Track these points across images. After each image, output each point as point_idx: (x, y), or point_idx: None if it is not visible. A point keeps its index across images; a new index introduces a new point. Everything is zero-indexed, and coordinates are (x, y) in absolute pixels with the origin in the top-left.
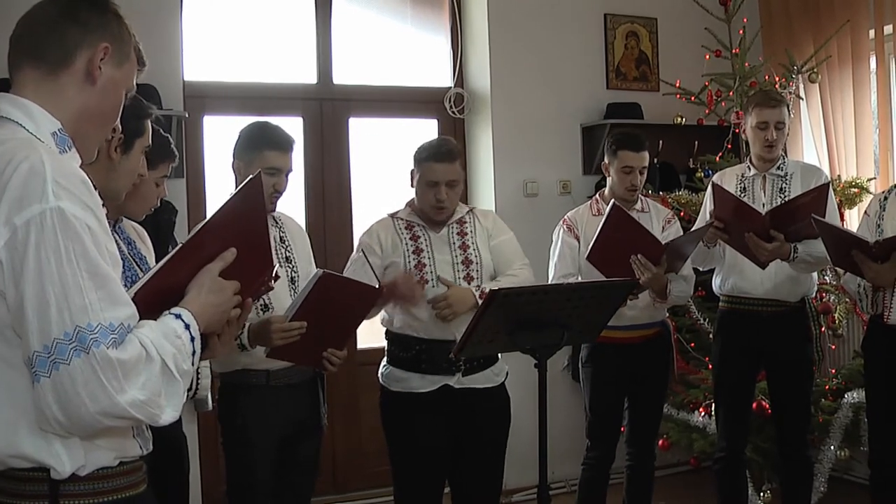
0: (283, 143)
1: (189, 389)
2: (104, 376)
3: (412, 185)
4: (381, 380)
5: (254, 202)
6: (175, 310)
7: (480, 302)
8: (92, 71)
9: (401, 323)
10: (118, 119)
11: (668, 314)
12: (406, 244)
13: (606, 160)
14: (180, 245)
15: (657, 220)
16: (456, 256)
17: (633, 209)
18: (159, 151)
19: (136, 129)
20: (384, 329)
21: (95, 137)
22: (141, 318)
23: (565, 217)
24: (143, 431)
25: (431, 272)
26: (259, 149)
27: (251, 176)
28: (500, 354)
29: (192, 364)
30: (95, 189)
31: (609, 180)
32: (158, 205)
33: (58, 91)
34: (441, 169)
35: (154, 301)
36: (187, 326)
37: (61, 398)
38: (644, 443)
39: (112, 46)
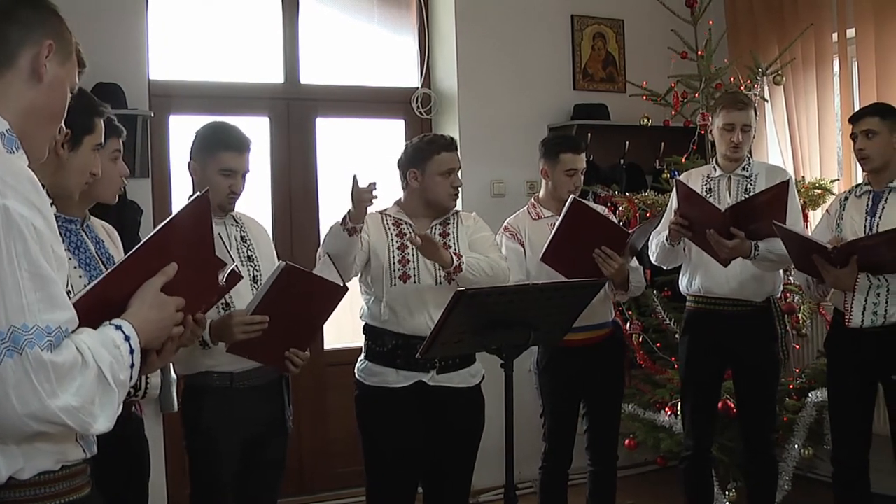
0: (239, 144)
1: (138, 390)
2: (36, 378)
3: (416, 183)
4: (356, 374)
5: (200, 220)
6: (115, 321)
7: (455, 262)
8: (38, 69)
9: (384, 316)
10: (65, 117)
11: (629, 311)
12: (392, 240)
13: (545, 164)
14: (123, 258)
15: None
16: None
17: None
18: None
19: (85, 126)
20: (362, 324)
21: (45, 135)
22: (81, 327)
23: (506, 224)
24: (87, 434)
25: (414, 269)
26: (214, 150)
27: (198, 193)
28: (476, 356)
29: (131, 377)
30: (45, 188)
31: (545, 184)
32: (125, 183)
33: (2, 91)
34: (453, 157)
35: (95, 311)
36: (127, 338)
37: None
38: (605, 446)
39: (55, 44)
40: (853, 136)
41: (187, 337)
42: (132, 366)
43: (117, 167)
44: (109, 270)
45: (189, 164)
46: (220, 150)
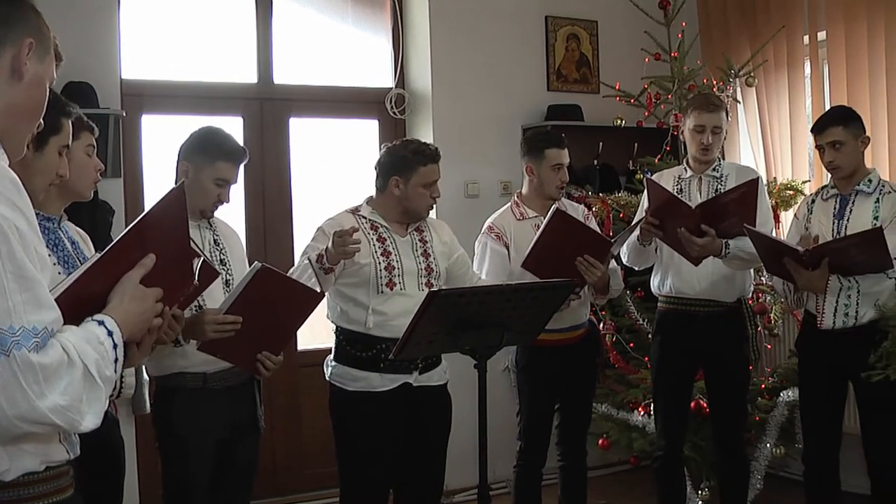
0: (237, 156)
1: (113, 389)
2: (24, 380)
3: (398, 191)
4: (332, 380)
5: (176, 212)
6: (98, 316)
7: None
8: (19, 67)
9: (370, 323)
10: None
11: (602, 311)
12: (374, 245)
13: (529, 162)
14: (102, 252)
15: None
16: (419, 262)
17: None
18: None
19: (52, 127)
20: (333, 327)
21: (24, 133)
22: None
23: (490, 224)
24: (71, 435)
25: (400, 276)
26: (213, 158)
27: (174, 186)
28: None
29: (115, 371)
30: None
31: (529, 182)
32: (100, 178)
33: None
34: (437, 169)
35: (76, 306)
36: (110, 333)
37: None
38: (576, 441)
39: (35, 41)
40: (819, 148)
41: (165, 331)
42: (116, 360)
43: (92, 161)
44: (89, 265)
45: (179, 163)
46: (219, 160)
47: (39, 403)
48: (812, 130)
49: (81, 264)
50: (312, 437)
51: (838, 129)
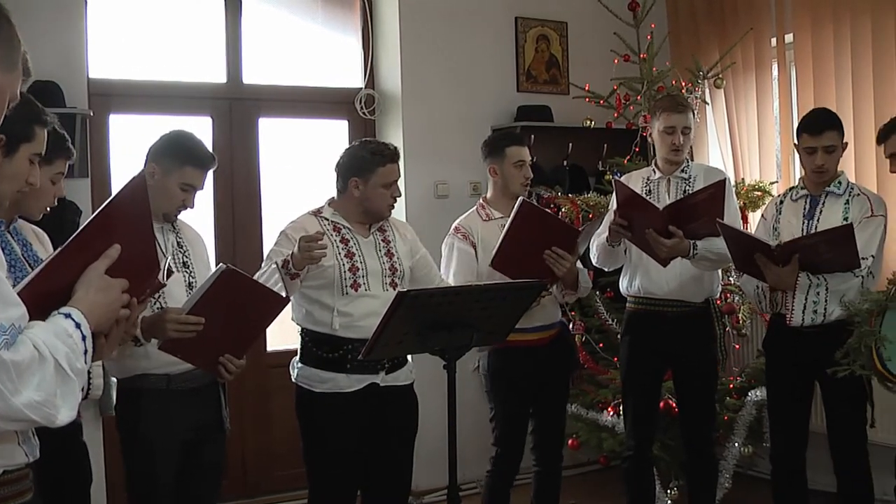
0: (206, 162)
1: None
2: None
3: (357, 192)
4: (299, 382)
5: (138, 201)
6: (64, 309)
7: None
8: None
9: (336, 325)
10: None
11: (572, 312)
12: (337, 246)
13: (492, 163)
14: (65, 243)
15: None
16: (383, 263)
17: None
18: (53, 146)
19: (24, 134)
20: (299, 328)
21: None
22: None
23: (457, 225)
24: (30, 439)
25: (364, 276)
26: (182, 162)
27: (134, 175)
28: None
29: (85, 363)
30: None
31: (493, 183)
32: (55, 203)
33: None
34: (396, 169)
35: (40, 301)
36: (78, 325)
37: None
38: (551, 447)
39: (2, 51)
40: (811, 150)
41: (129, 326)
42: (86, 352)
43: (53, 189)
44: (51, 257)
45: (147, 165)
46: (187, 165)
47: (15, 400)
48: (806, 132)
49: (31, 266)
50: (282, 438)
51: (834, 133)
